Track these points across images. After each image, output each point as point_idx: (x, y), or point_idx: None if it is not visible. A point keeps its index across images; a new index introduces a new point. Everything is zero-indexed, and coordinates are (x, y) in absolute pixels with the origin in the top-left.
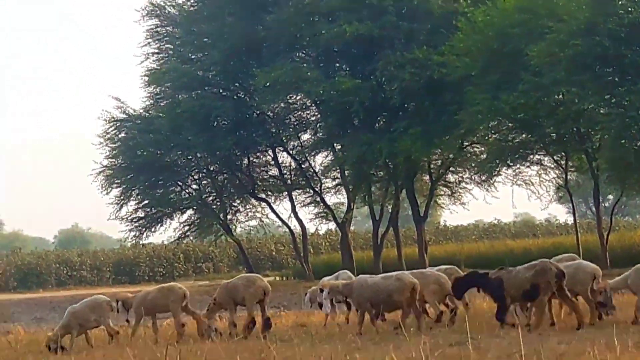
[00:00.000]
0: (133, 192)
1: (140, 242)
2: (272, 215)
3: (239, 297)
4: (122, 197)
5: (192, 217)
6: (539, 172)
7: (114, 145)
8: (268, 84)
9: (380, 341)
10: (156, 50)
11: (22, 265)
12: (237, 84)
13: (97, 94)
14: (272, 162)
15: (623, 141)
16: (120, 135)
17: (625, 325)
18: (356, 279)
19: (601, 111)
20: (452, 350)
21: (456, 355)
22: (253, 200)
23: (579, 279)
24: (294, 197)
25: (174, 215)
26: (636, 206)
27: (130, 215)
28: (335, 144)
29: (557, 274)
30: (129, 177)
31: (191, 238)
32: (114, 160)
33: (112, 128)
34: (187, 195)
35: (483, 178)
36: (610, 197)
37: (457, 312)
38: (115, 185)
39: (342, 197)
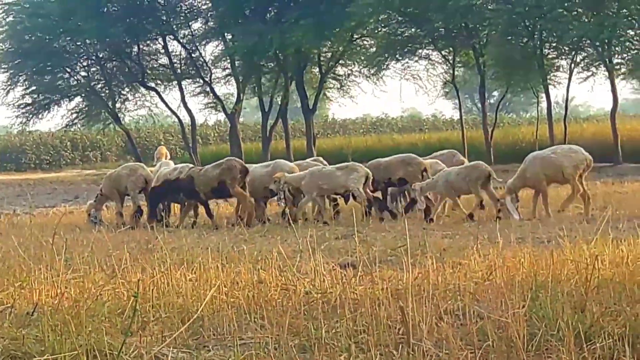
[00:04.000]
0: (20, 78)
1: (27, 129)
2: (161, 105)
3: (122, 187)
4: (8, 83)
5: (80, 105)
6: (427, 67)
7: (1, 29)
8: None
9: (268, 233)
10: None
11: None
12: None
13: None
14: (162, 51)
15: (510, 38)
16: (7, 19)
17: (508, 221)
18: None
19: (489, 7)
20: (338, 243)
21: (342, 248)
22: (142, 89)
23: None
24: (183, 87)
25: (62, 103)
26: (520, 103)
27: (17, 102)
28: (225, 34)
29: (241, 170)
30: (16, 62)
31: (79, 126)
32: (1, 44)
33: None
34: (75, 82)
35: (372, 72)
36: (496, 93)
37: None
38: (1, 70)
39: (232, 88)
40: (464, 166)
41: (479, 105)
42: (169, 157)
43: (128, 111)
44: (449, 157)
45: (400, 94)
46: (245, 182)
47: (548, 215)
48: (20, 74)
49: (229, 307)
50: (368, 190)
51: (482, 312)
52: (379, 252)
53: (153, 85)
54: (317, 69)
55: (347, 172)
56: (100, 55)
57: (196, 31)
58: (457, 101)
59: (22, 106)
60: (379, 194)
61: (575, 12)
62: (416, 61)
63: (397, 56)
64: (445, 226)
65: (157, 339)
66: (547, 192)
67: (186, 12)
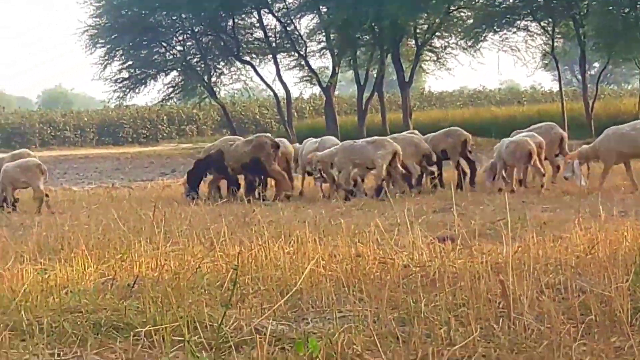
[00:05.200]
0: (117, 53)
1: (124, 104)
2: (256, 79)
3: None
4: (106, 58)
5: (176, 79)
6: (526, 38)
7: (98, 4)
8: None
9: (365, 207)
10: None
11: (6, 125)
12: None
13: None
14: (257, 24)
15: (611, 8)
16: None
17: (610, 194)
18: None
19: None
20: (436, 216)
21: (440, 222)
22: (237, 63)
23: None
24: (278, 61)
25: (158, 77)
26: (622, 74)
27: (114, 76)
28: (320, 7)
29: (272, 145)
30: (113, 37)
31: (175, 100)
32: (98, 19)
33: None
34: (171, 57)
35: (469, 44)
36: (596, 64)
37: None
38: (99, 45)
39: (327, 61)
40: (512, 140)
41: (579, 76)
42: None
43: (223, 85)
44: (547, 129)
45: (498, 66)
46: (279, 157)
47: (600, 189)
48: (117, 48)
49: (327, 280)
50: (399, 167)
51: (584, 286)
52: (478, 226)
53: (248, 59)
54: (413, 41)
55: (375, 146)
56: (196, 30)
57: (291, 4)
58: (556, 73)
59: (119, 81)
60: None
61: None
62: (514, 32)
63: (495, 28)
64: (546, 199)
65: (256, 311)
66: (611, 167)
67: None
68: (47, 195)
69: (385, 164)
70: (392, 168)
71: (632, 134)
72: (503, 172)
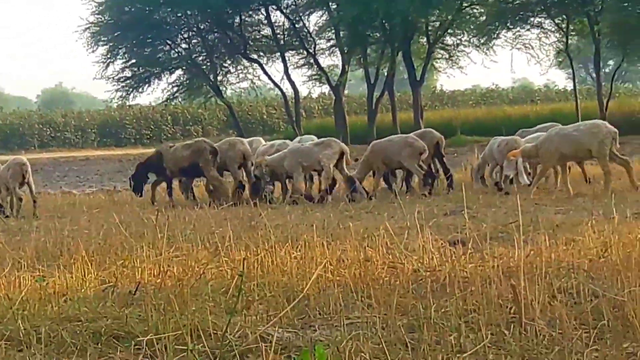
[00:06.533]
0: (120, 51)
1: (127, 103)
2: (263, 77)
3: (221, 162)
4: (108, 56)
5: (181, 78)
6: (539, 36)
7: (100, 0)
8: None
9: (374, 210)
10: None
11: (4, 126)
12: None
13: None
14: (265, 22)
15: (626, 4)
16: None
17: (624, 195)
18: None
19: None
20: (447, 219)
21: (451, 225)
22: (244, 61)
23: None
24: (286, 59)
25: (162, 76)
26: (637, 72)
27: (117, 75)
28: (330, 3)
29: (211, 151)
30: (115, 34)
31: (180, 100)
32: (100, 16)
33: None
34: (176, 55)
35: (482, 41)
36: (611, 62)
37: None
38: (101, 43)
39: (337, 59)
40: (503, 139)
41: (594, 75)
42: None
43: (230, 84)
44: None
45: (511, 63)
46: (216, 162)
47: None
48: (119, 46)
49: (335, 286)
50: (345, 168)
51: (597, 291)
52: (490, 229)
53: (255, 57)
54: (425, 39)
55: (322, 147)
56: (202, 27)
57: (300, 1)
58: (570, 71)
59: (122, 80)
60: None
61: None
62: (528, 30)
63: (508, 24)
64: (558, 201)
65: (262, 318)
66: (549, 169)
67: None
68: (20, 200)
69: (331, 164)
70: (339, 170)
71: (575, 134)
72: (494, 171)
